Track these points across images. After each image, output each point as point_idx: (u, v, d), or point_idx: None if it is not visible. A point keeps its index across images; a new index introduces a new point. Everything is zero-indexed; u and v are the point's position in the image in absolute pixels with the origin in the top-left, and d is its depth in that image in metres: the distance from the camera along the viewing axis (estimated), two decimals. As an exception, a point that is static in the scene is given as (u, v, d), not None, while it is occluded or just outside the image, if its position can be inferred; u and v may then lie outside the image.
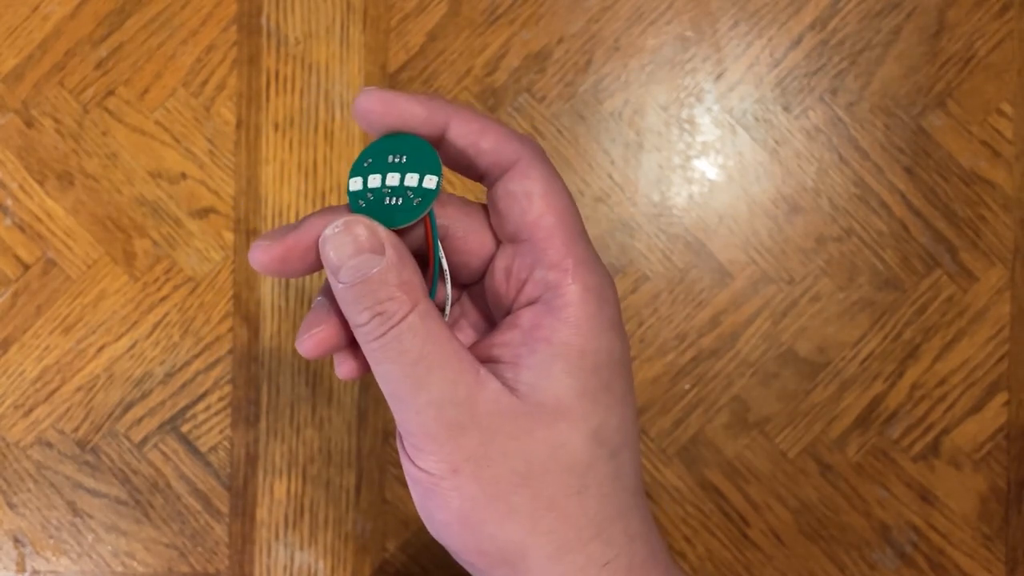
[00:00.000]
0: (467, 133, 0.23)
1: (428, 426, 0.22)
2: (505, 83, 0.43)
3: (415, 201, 0.24)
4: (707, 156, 0.42)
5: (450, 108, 0.23)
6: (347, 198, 0.24)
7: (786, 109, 0.42)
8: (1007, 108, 0.42)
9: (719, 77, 0.42)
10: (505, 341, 0.24)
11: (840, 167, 0.42)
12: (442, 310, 0.25)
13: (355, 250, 0.22)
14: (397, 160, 0.24)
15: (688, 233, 0.42)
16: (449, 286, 0.25)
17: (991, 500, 0.41)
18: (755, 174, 0.42)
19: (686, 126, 0.42)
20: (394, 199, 0.24)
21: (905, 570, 0.41)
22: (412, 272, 0.23)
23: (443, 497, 0.22)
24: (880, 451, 0.41)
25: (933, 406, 0.41)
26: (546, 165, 0.23)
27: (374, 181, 0.24)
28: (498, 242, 0.25)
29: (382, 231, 0.23)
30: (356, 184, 0.24)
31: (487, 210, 0.25)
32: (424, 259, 0.25)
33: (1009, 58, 0.42)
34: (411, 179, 0.24)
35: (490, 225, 0.25)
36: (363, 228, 0.22)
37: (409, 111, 0.23)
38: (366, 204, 0.24)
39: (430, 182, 0.23)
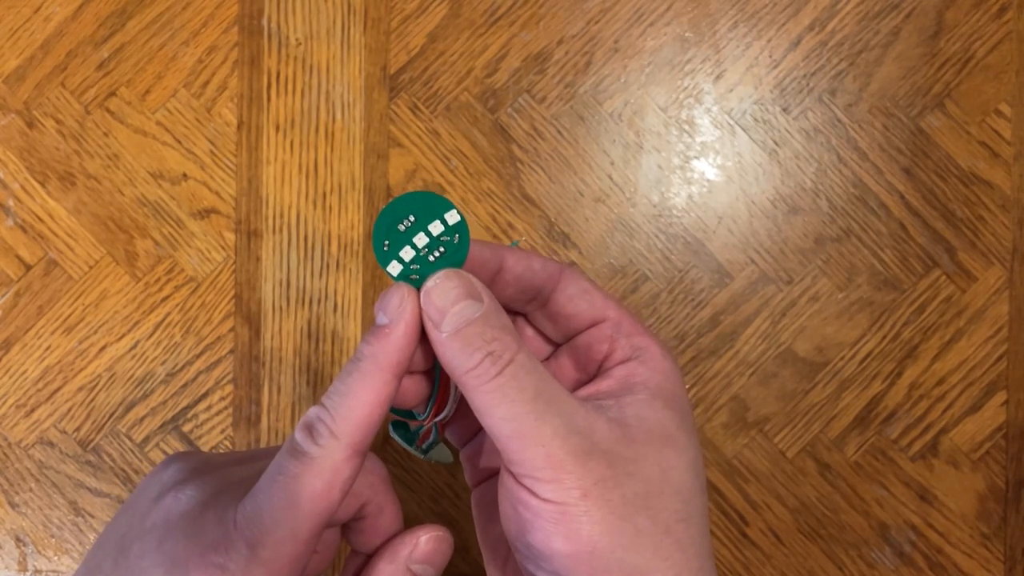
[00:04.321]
0: (519, 260, 0.27)
1: (555, 456, 0.23)
2: (505, 84, 0.43)
3: (455, 240, 0.25)
4: (706, 157, 0.42)
5: (502, 247, 0.27)
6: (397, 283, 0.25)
7: (785, 110, 0.42)
8: (1005, 109, 0.42)
9: (718, 78, 0.42)
10: (602, 388, 0.26)
11: (839, 168, 0.42)
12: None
13: (457, 296, 0.24)
14: (409, 224, 0.25)
15: (687, 233, 0.42)
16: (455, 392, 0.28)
17: (989, 499, 0.41)
18: (754, 175, 0.42)
19: (685, 127, 0.42)
20: (436, 253, 0.25)
21: (904, 569, 0.41)
22: (507, 318, 0.25)
23: (572, 524, 0.23)
24: (879, 450, 0.42)
25: (932, 406, 0.42)
26: (578, 269, 0.29)
27: (407, 254, 0.25)
28: (551, 345, 0.29)
29: (476, 280, 0.25)
30: (396, 268, 0.25)
31: (531, 327, 0.29)
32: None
33: (1007, 59, 0.42)
34: (435, 228, 0.25)
35: (540, 337, 0.29)
36: (460, 278, 0.24)
37: (478, 252, 0.26)
38: (419, 275, 0.25)
39: (452, 217, 0.25)
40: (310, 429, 0.24)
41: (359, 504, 0.27)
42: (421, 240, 0.25)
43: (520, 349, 0.24)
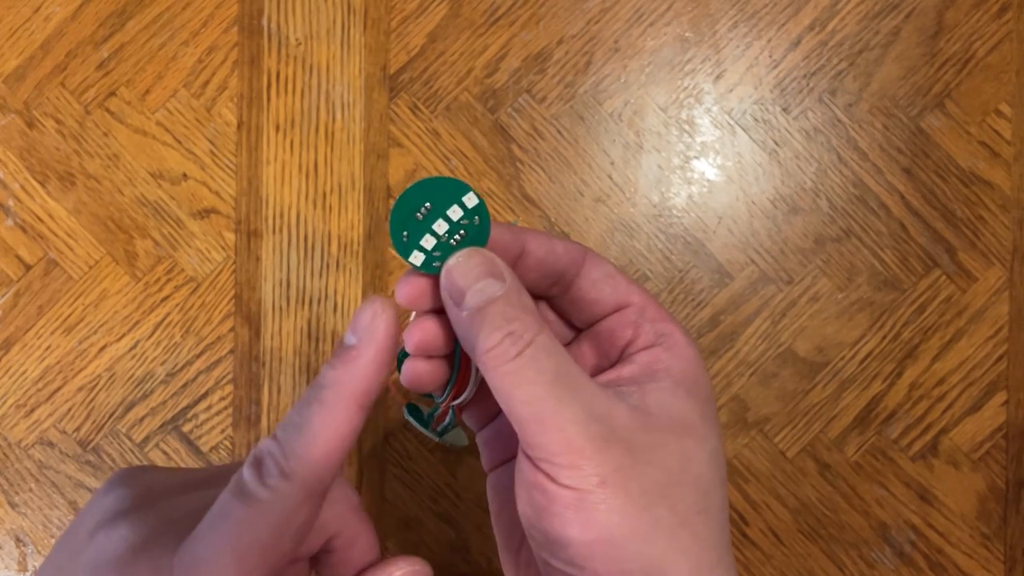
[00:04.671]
0: (542, 243, 0.26)
1: (574, 442, 0.22)
2: (505, 84, 0.43)
3: (475, 222, 0.25)
4: (706, 157, 0.42)
5: (524, 230, 0.26)
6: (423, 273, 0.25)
7: (785, 110, 0.42)
8: (1005, 109, 0.42)
9: (718, 78, 0.42)
10: (624, 375, 0.25)
11: (839, 168, 0.42)
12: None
13: (478, 275, 0.23)
14: (426, 212, 0.24)
15: (687, 233, 0.42)
16: (475, 376, 0.27)
17: (989, 499, 0.41)
18: (754, 175, 0.42)
19: (685, 127, 0.42)
20: (457, 237, 0.24)
21: (904, 569, 0.41)
22: (529, 298, 0.24)
23: (590, 512, 0.22)
24: (879, 450, 0.42)
25: (932, 406, 0.42)
26: (599, 254, 0.28)
27: (428, 242, 0.24)
28: (573, 330, 0.28)
29: (498, 259, 0.24)
30: (418, 258, 0.24)
31: (552, 312, 0.28)
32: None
33: (1007, 59, 0.42)
34: (454, 212, 0.24)
35: (561, 321, 0.28)
36: (482, 256, 0.24)
37: (499, 235, 0.25)
38: (441, 261, 0.24)
39: (471, 200, 0.24)
40: (259, 466, 0.22)
41: (326, 537, 0.25)
42: (441, 227, 0.24)
43: (541, 330, 0.23)
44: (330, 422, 0.22)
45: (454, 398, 0.27)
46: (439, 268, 0.24)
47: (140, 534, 0.22)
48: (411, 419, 0.29)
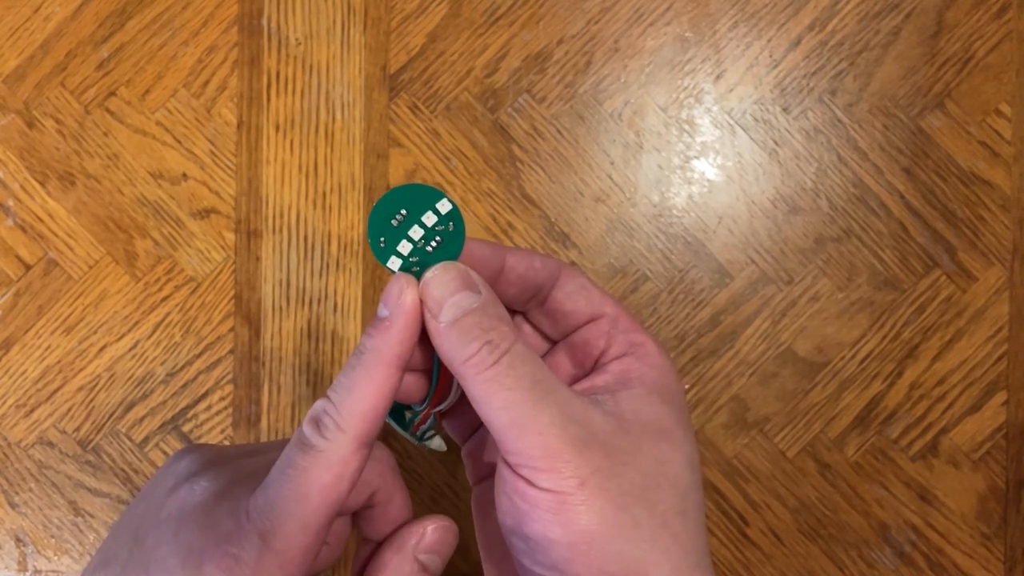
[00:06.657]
0: (522, 258, 0.27)
1: (552, 445, 0.23)
2: (505, 84, 0.43)
3: (450, 227, 0.25)
4: (706, 157, 0.42)
5: (503, 246, 0.27)
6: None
7: (785, 110, 0.42)
8: (1005, 109, 0.42)
9: (718, 78, 0.42)
10: (598, 384, 0.26)
11: (839, 167, 0.42)
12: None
13: (455, 288, 0.24)
14: (402, 218, 0.25)
15: (687, 233, 0.42)
16: (455, 388, 0.28)
17: (990, 499, 0.41)
18: (754, 175, 0.42)
19: (685, 127, 0.42)
20: (433, 242, 0.25)
21: (904, 569, 0.41)
22: (504, 310, 0.25)
23: (571, 514, 0.23)
24: (879, 450, 0.42)
25: (932, 406, 0.42)
26: (574, 268, 0.29)
27: (405, 248, 0.25)
28: (548, 342, 0.29)
29: (473, 272, 0.25)
30: (395, 263, 0.25)
31: (529, 326, 0.30)
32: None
33: (1008, 59, 0.42)
34: (428, 218, 0.25)
35: (537, 334, 0.30)
36: (458, 270, 0.25)
37: (480, 251, 0.26)
38: (420, 267, 0.25)
39: (444, 206, 0.25)
40: (317, 422, 0.24)
41: (369, 492, 0.27)
42: (416, 232, 0.25)
43: (517, 339, 0.24)
44: (373, 381, 0.24)
45: (435, 405, 0.27)
46: (418, 274, 0.25)
47: (220, 484, 0.26)
48: (391, 422, 0.29)
